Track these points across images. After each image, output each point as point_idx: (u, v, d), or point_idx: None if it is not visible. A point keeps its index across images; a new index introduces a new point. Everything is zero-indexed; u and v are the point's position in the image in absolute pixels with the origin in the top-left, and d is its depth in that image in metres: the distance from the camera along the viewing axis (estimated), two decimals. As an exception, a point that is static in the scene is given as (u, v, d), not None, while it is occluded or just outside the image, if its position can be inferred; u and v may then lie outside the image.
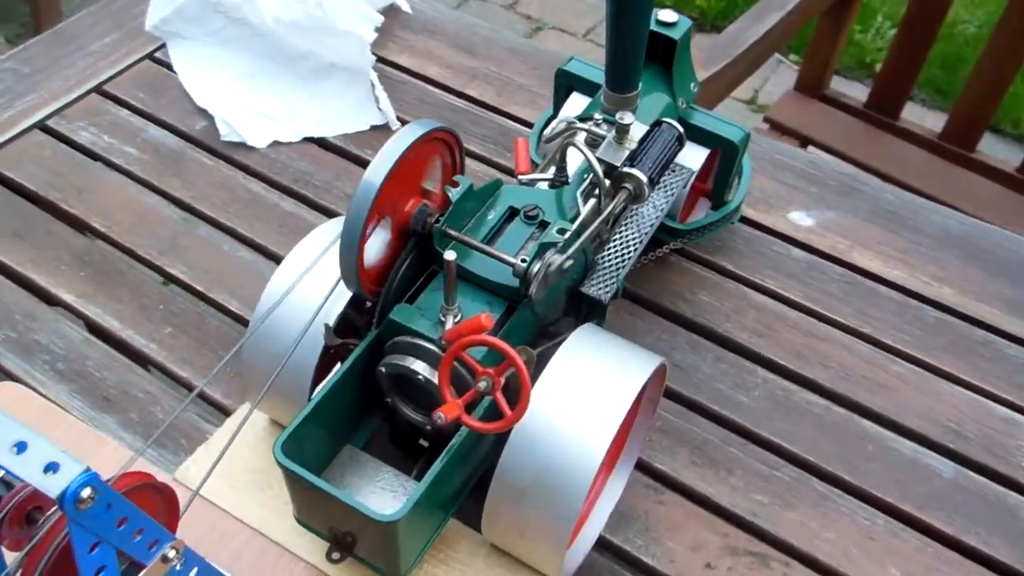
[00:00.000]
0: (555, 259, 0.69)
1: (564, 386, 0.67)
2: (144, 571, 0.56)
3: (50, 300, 0.96)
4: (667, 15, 0.90)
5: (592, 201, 0.76)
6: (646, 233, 0.84)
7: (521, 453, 0.66)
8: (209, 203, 1.06)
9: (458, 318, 0.69)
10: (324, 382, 0.70)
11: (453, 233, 0.72)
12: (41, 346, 0.91)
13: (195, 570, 0.61)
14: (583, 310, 0.84)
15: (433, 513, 0.70)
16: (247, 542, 0.73)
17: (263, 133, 1.13)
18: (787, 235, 1.05)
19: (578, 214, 0.74)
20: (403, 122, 1.17)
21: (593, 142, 0.80)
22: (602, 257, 0.82)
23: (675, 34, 0.89)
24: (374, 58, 1.18)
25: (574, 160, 0.83)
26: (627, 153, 0.77)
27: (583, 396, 0.67)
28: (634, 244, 0.83)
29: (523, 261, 0.68)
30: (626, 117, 0.77)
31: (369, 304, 0.75)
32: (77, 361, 0.90)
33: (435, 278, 0.73)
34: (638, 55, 0.82)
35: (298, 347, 0.71)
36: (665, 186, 0.87)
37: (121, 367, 0.90)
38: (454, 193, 0.72)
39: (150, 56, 1.24)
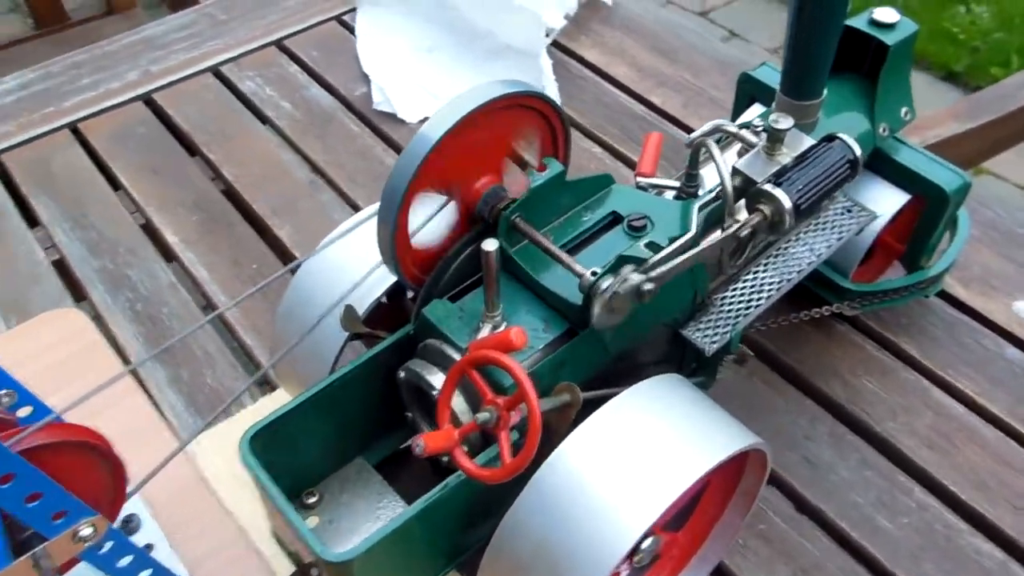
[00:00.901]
0: (631, 279, 0.53)
1: (603, 444, 0.51)
2: (44, 545, 0.47)
3: (155, 238, 0.93)
4: (885, 13, 0.70)
5: (708, 219, 0.59)
6: (789, 280, 0.65)
7: (527, 517, 0.50)
8: (341, 169, 0.99)
9: (500, 330, 0.55)
10: (335, 373, 0.59)
11: (524, 226, 0.58)
12: (130, 283, 0.88)
13: (128, 559, 0.52)
14: (687, 361, 0.66)
15: (415, 560, 0.56)
16: (226, 543, 0.63)
17: (417, 108, 1.05)
18: (1005, 329, 0.80)
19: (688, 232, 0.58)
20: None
21: (744, 153, 0.63)
22: (722, 298, 0.64)
23: (890, 38, 0.70)
24: (547, 40, 1.06)
25: (715, 173, 0.66)
26: (776, 168, 0.60)
27: (625, 462, 0.50)
28: (769, 290, 0.64)
29: (593, 274, 0.53)
30: (781, 121, 0.59)
31: (411, 294, 0.62)
32: (155, 305, 0.86)
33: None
34: (822, 50, 0.63)
35: (323, 332, 0.60)
36: (829, 225, 0.68)
37: (193, 320, 0.84)
38: (537, 178, 0.58)
39: (338, 18, 1.21)
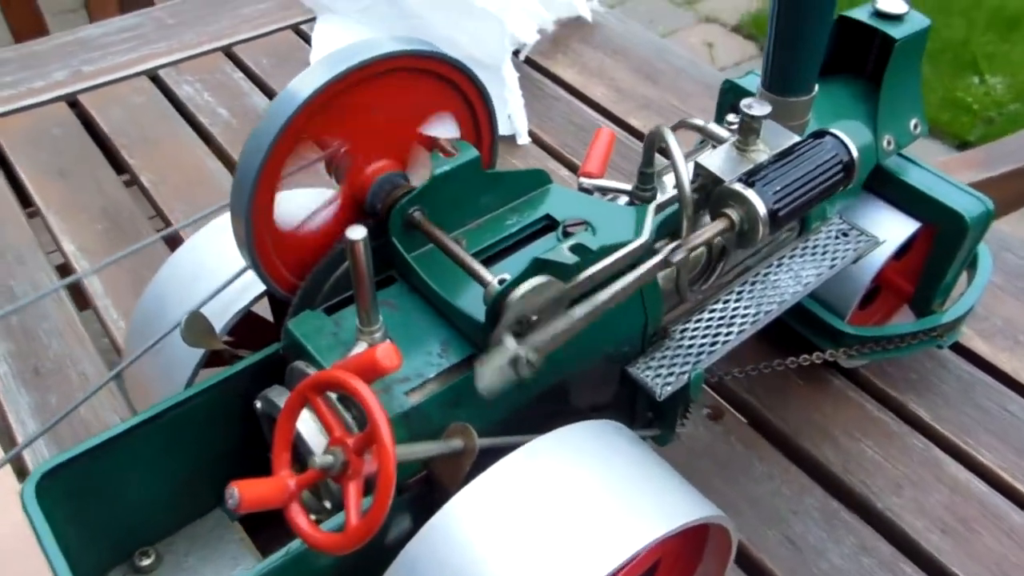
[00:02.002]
0: (549, 289, 0.40)
1: (499, 509, 0.38)
2: None
3: (50, 247, 0.81)
4: (892, 3, 0.59)
5: (666, 227, 0.46)
6: (768, 313, 0.52)
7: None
8: (273, 182, 0.87)
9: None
10: (172, 397, 0.45)
11: (425, 224, 0.45)
12: (11, 294, 0.76)
13: None
14: (640, 409, 0.53)
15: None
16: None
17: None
18: (1034, 391, 0.67)
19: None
20: (535, 138, 0.93)
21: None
22: (682, 330, 0.51)
23: (897, 32, 0.58)
24: (511, 50, 0.95)
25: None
26: (750, 167, 0.47)
27: (526, 535, 0.37)
28: (742, 324, 0.51)
29: (501, 282, 0.41)
30: (756, 107, 0.47)
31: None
32: (34, 318, 0.73)
33: (394, 284, 0.47)
34: (812, 31, 0.52)
35: (177, 345, 0.47)
36: (821, 249, 0.55)
37: (73, 339, 0.72)
38: (442, 163, 0.46)
39: (294, 27, 1.11)
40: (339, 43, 1.07)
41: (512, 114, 0.92)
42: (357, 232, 0.38)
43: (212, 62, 1.05)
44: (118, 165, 0.91)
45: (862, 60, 0.61)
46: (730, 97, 0.68)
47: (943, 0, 2.37)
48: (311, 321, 0.44)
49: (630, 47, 1.07)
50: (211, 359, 0.49)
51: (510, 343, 0.40)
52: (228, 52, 1.07)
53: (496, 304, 0.40)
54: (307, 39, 1.08)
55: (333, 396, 0.40)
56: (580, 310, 0.42)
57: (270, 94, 0.99)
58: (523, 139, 0.92)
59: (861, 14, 0.59)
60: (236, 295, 0.48)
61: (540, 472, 0.39)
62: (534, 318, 0.40)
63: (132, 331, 0.52)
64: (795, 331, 0.66)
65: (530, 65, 1.03)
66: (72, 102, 0.98)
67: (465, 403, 0.43)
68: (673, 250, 0.44)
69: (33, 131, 0.93)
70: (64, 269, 0.80)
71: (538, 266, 0.41)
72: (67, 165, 0.89)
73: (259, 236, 0.44)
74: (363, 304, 0.40)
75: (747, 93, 0.65)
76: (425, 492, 0.42)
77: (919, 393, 0.67)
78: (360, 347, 0.41)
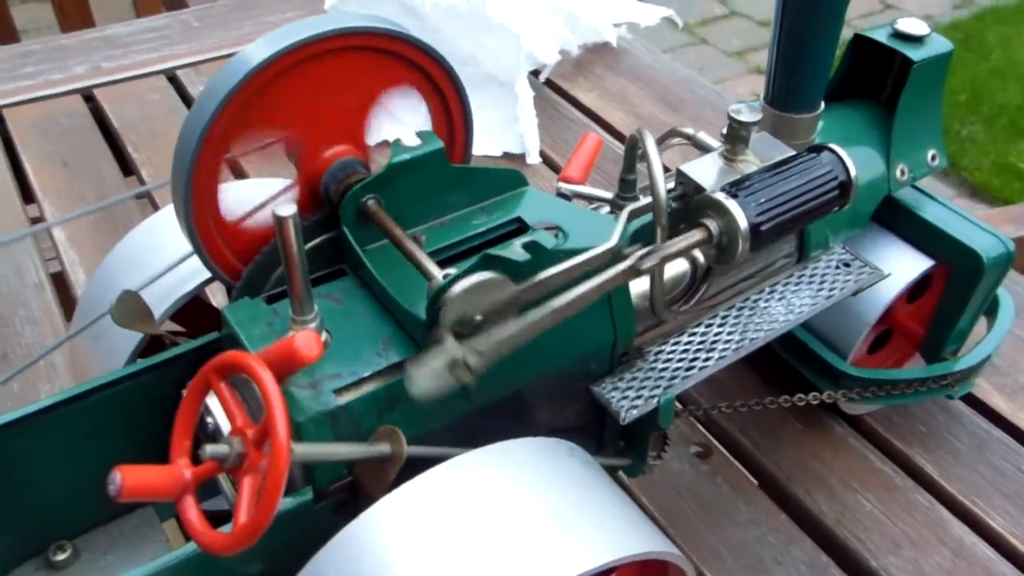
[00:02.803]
0: (496, 288, 0.37)
1: (416, 524, 0.34)
2: None
3: (40, 233, 0.80)
4: (911, 24, 0.55)
5: (641, 235, 0.43)
6: (753, 341, 0.48)
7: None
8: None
9: (323, 340, 0.39)
10: (94, 380, 0.43)
11: (378, 213, 0.42)
12: (-5, 276, 0.74)
13: None
14: (609, 435, 0.49)
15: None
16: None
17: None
18: (1054, 453, 0.62)
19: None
20: (545, 158, 0.90)
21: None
22: (657, 352, 0.47)
23: (916, 54, 0.54)
24: (527, 67, 0.93)
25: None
26: (735, 178, 0.44)
27: (444, 557, 0.33)
28: (723, 351, 0.47)
29: (446, 277, 0.37)
30: (745, 112, 0.43)
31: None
32: (11, 305, 0.72)
33: (343, 278, 0.44)
34: (818, 40, 0.48)
35: (117, 332, 0.45)
36: (819, 279, 0.51)
37: (48, 329, 0.70)
38: (401, 152, 0.43)
39: (318, 37, 1.10)
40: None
41: (524, 132, 0.90)
42: (286, 208, 0.35)
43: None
44: (123, 160, 0.90)
45: (879, 84, 0.57)
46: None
47: (1001, 65, 2.32)
48: (247, 308, 0.41)
49: (655, 76, 1.04)
50: (153, 345, 0.47)
51: (449, 344, 0.36)
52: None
53: (437, 299, 0.37)
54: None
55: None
56: (534, 315, 0.38)
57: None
58: (533, 158, 0.89)
59: (879, 34, 0.56)
60: (183, 279, 0.46)
61: (470, 486, 0.36)
62: (478, 318, 0.37)
63: (79, 312, 0.49)
64: (793, 369, 0.61)
65: (550, 87, 1.01)
66: (88, 96, 0.98)
67: (402, 407, 0.39)
68: (642, 257, 0.40)
69: (44, 121, 0.93)
70: (50, 253, 0.79)
71: (486, 261, 0.37)
72: (71, 156, 0.89)
73: (201, 218, 0.41)
74: (294, 289, 0.37)
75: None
76: (350, 500, 0.39)
77: (927, 447, 0.62)
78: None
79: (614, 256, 0.41)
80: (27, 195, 0.86)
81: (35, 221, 0.82)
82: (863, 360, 0.63)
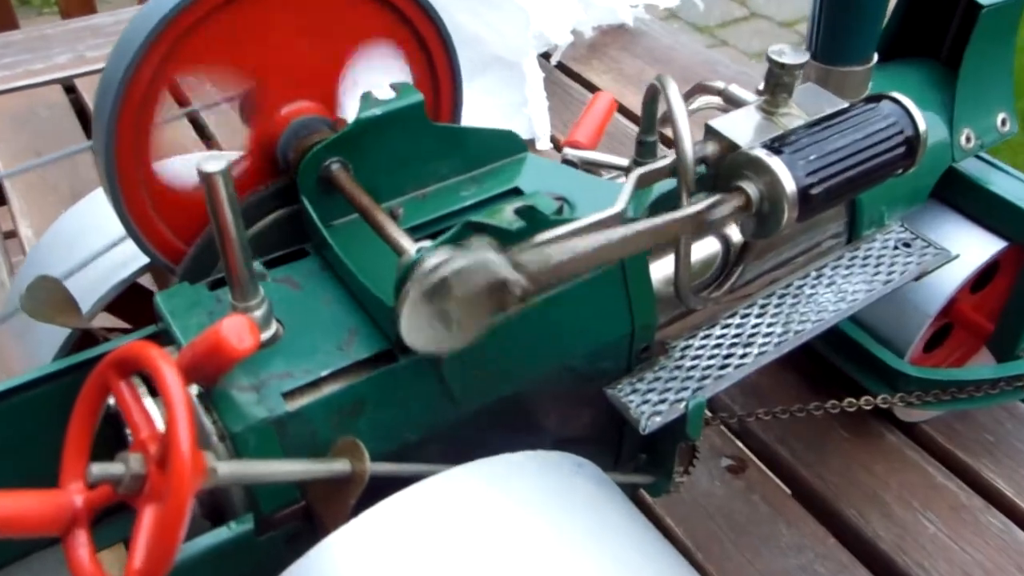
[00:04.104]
0: (481, 264, 0.29)
1: (389, 561, 0.26)
2: None
3: (9, 232, 0.74)
4: (972, -33, 0.47)
5: (657, 204, 0.35)
6: (799, 334, 0.40)
7: None
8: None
9: (272, 332, 0.32)
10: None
11: (343, 179, 0.35)
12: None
13: None
14: (628, 447, 0.41)
15: None
16: None
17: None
18: None
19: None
20: (556, 144, 0.83)
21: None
22: (684, 347, 0.39)
23: None
24: (536, 46, 0.86)
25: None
26: (777, 133, 0.36)
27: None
28: (763, 346, 0.39)
29: (419, 251, 0.30)
30: (788, 53, 0.36)
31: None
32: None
33: (304, 259, 0.37)
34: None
35: (44, 325, 0.38)
36: (874, 260, 0.43)
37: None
38: (370, 105, 0.36)
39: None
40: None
41: (532, 115, 0.82)
42: (214, 163, 0.28)
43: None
44: (100, 150, 0.84)
45: (937, 38, 0.49)
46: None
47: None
48: (185, 296, 0.34)
49: (675, 56, 0.96)
50: (88, 340, 0.40)
51: (487, 263, 0.28)
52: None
53: (407, 278, 0.29)
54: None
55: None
56: (597, 238, 0.30)
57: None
58: (543, 143, 0.82)
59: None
60: (118, 265, 0.39)
61: (450, 512, 0.28)
62: (451, 307, 0.29)
63: (8, 300, 0.43)
64: (840, 370, 0.53)
65: (561, 70, 0.94)
66: (69, 87, 0.92)
67: (369, 414, 0.32)
68: (712, 206, 0.32)
69: (22, 112, 0.87)
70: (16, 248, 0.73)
71: (469, 231, 0.30)
72: (46, 146, 0.82)
73: (130, 188, 0.34)
74: (231, 268, 0.30)
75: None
76: (303, 530, 0.31)
77: (996, 459, 0.54)
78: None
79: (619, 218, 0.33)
80: (-3, 190, 0.80)
81: (2, 223, 0.76)
82: (919, 359, 0.55)
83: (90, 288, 0.38)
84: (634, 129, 0.85)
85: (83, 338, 0.39)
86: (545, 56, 0.93)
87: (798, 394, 0.56)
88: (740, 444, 0.56)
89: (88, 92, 0.90)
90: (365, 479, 0.29)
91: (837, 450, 0.55)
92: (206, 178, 0.28)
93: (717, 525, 0.51)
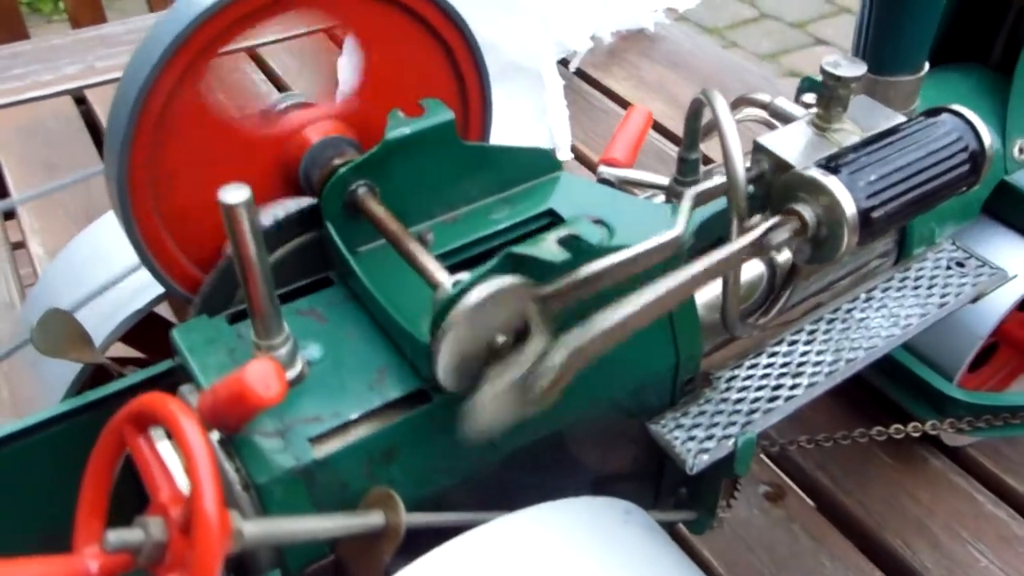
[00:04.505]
0: (522, 297, 0.27)
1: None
2: None
3: (17, 245, 0.72)
4: (1026, -30, 0.45)
5: (708, 227, 0.33)
6: (851, 363, 0.38)
7: None
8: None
9: (298, 371, 0.30)
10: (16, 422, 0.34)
11: (370, 203, 0.33)
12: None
13: None
14: (668, 482, 0.39)
15: None
16: None
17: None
18: None
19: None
20: (577, 153, 0.81)
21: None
22: (729, 378, 0.37)
23: (1035, 5, 0.44)
24: (555, 53, 0.84)
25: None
26: (832, 151, 0.34)
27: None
28: (813, 376, 0.37)
29: (456, 285, 0.28)
30: (845, 65, 0.34)
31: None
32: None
33: (328, 288, 0.34)
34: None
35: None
36: (926, 282, 0.41)
37: (8, 330, 0.62)
38: (399, 125, 0.33)
39: (327, 30, 1.01)
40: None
41: (552, 124, 0.80)
42: (236, 193, 0.26)
43: (233, 62, 0.96)
44: (111, 163, 0.82)
45: (987, 43, 0.47)
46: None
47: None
48: (203, 330, 0.32)
49: (696, 62, 0.94)
50: (103, 372, 0.38)
51: (523, 296, 0.26)
52: (252, 53, 0.98)
53: (444, 315, 0.27)
54: (340, 44, 0.99)
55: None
56: (632, 304, 0.28)
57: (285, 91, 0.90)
58: (564, 153, 0.80)
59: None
60: (133, 294, 0.37)
61: (499, 568, 0.26)
62: (501, 340, 0.27)
63: (16, 335, 0.41)
64: (882, 393, 0.51)
65: (580, 77, 0.92)
66: (79, 98, 0.90)
67: (402, 460, 0.30)
68: (772, 229, 0.30)
69: (30, 124, 0.85)
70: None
71: (511, 262, 0.28)
72: (57, 160, 0.81)
73: (144, 215, 0.32)
74: (254, 304, 0.28)
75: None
76: (333, 586, 0.29)
77: (1048, 485, 0.51)
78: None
79: (679, 251, 0.31)
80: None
81: (11, 234, 0.74)
82: (963, 379, 0.52)
83: (103, 319, 0.36)
84: (658, 139, 0.83)
85: (97, 369, 0.37)
86: (563, 63, 0.91)
87: (840, 419, 0.54)
88: (777, 469, 0.54)
89: (98, 103, 0.88)
90: (401, 533, 0.27)
91: (879, 476, 0.52)
92: (227, 210, 0.26)
93: (758, 558, 0.49)
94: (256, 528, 0.24)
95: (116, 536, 0.22)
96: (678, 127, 0.84)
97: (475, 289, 0.27)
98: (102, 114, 0.87)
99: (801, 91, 0.53)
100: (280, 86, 0.92)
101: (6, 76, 0.93)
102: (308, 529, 0.26)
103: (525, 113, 0.83)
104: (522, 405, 0.27)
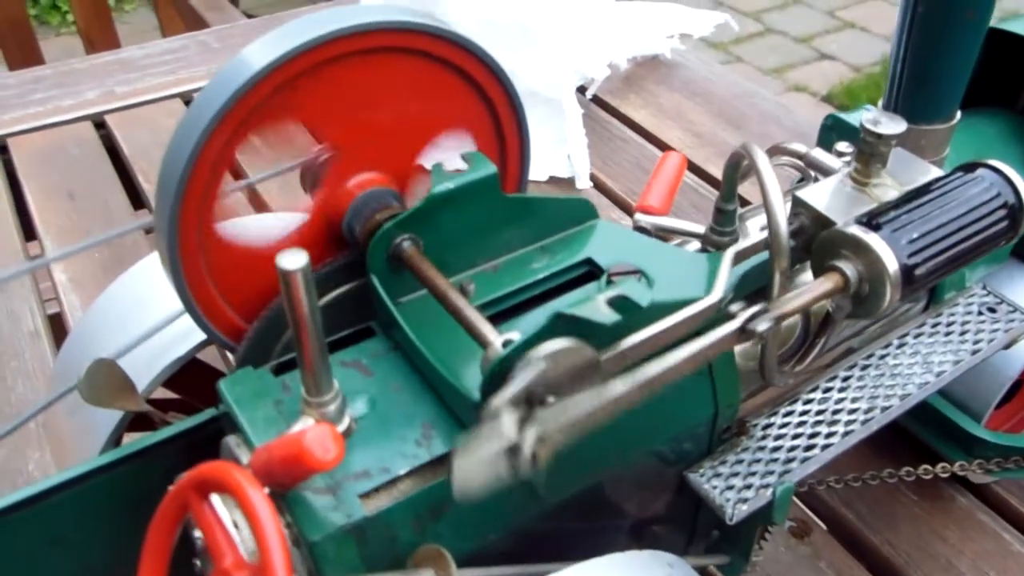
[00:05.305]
0: (574, 358, 0.27)
1: None
2: None
3: (40, 272, 0.72)
4: (1054, 17, 0.45)
5: (747, 282, 0.33)
6: (885, 411, 0.38)
7: None
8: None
9: (346, 426, 0.30)
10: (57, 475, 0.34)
11: (414, 256, 0.33)
12: (-13, 318, 0.67)
13: None
14: (702, 527, 0.39)
15: None
16: None
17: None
18: None
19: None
20: (596, 182, 0.81)
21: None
22: (766, 426, 0.37)
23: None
24: (575, 82, 0.84)
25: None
26: (872, 207, 0.34)
27: None
28: (848, 424, 0.37)
29: (506, 344, 0.28)
30: (885, 122, 0.34)
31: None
32: (5, 356, 0.64)
33: (372, 339, 0.35)
34: (962, 36, 0.38)
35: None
36: (958, 328, 0.41)
37: (42, 383, 0.62)
38: (443, 180, 0.34)
39: (345, 56, 1.02)
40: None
41: (572, 154, 0.81)
42: (294, 259, 0.26)
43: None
44: (133, 191, 0.82)
45: (1014, 89, 0.48)
46: (833, 137, 0.54)
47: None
48: (250, 382, 0.32)
49: (713, 90, 0.94)
50: (142, 417, 0.38)
51: (507, 424, 0.27)
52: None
53: (496, 376, 0.28)
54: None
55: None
56: (616, 388, 0.29)
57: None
58: (583, 182, 0.80)
59: (1017, 26, 0.46)
60: (174, 340, 0.37)
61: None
62: (550, 400, 0.28)
63: (53, 378, 0.41)
64: (909, 432, 0.51)
65: (597, 104, 0.92)
66: (99, 123, 0.91)
67: (451, 515, 0.30)
68: (755, 315, 0.30)
69: (50, 149, 0.86)
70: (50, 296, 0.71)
71: (561, 324, 0.28)
72: (78, 187, 0.81)
73: (191, 263, 0.32)
74: (307, 363, 0.28)
75: (854, 130, 0.52)
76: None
77: (1081, 527, 0.51)
78: (302, 424, 0.29)
79: (720, 312, 0.31)
80: (28, 231, 0.78)
81: (33, 258, 0.74)
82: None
83: (145, 366, 0.36)
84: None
85: (138, 415, 0.37)
86: (581, 90, 0.91)
87: (866, 457, 0.54)
88: (803, 505, 0.54)
89: (119, 128, 0.89)
90: (454, 594, 0.27)
91: (906, 514, 0.52)
92: (285, 275, 0.26)
93: (786, 594, 0.49)
94: (317, 593, 0.24)
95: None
96: (696, 156, 0.84)
97: (532, 352, 0.27)
98: (122, 139, 0.88)
99: (825, 129, 0.54)
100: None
101: (28, 101, 0.93)
102: (363, 590, 0.26)
103: (545, 141, 0.83)
104: (512, 472, 0.27)
